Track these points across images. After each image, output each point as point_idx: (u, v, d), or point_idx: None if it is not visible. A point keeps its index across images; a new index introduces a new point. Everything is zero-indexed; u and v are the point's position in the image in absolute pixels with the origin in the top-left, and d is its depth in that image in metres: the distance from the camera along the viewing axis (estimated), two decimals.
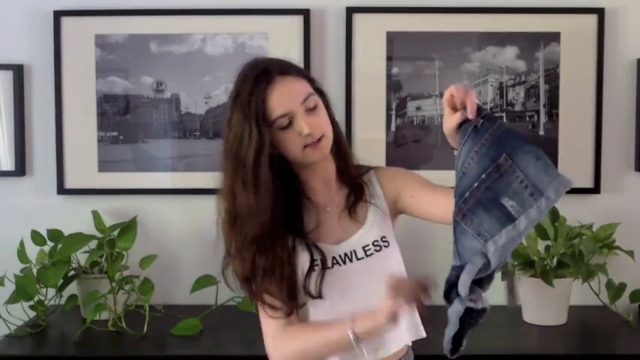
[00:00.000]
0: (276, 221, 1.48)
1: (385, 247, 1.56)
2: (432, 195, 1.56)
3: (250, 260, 1.48)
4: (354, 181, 1.61)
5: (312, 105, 1.49)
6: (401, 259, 1.60)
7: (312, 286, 1.51)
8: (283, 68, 1.51)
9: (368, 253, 1.55)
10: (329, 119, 1.54)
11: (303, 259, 1.51)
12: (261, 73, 1.48)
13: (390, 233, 1.60)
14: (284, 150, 1.51)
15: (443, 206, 1.46)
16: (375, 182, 1.62)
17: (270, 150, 1.47)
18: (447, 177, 2.39)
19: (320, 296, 1.50)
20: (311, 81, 1.56)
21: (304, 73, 1.57)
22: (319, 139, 1.49)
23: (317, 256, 1.52)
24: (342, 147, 1.61)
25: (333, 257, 1.53)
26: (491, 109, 2.47)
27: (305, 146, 1.49)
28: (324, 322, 1.50)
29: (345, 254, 1.54)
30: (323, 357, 1.49)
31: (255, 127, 1.45)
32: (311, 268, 1.51)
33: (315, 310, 1.52)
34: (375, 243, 1.55)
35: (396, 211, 1.63)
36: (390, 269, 1.52)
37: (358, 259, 1.54)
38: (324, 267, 1.51)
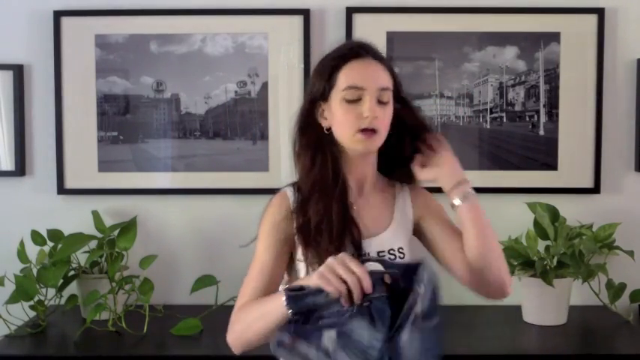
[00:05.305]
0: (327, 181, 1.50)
1: (400, 258, 1.54)
2: (459, 248, 1.55)
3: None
4: (389, 189, 1.61)
5: (385, 100, 1.49)
6: None
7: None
8: (378, 56, 1.52)
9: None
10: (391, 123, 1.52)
11: None
12: (354, 47, 1.52)
13: (408, 246, 1.58)
14: (338, 127, 1.50)
15: (463, 262, 1.52)
16: (407, 197, 1.61)
17: (326, 123, 1.51)
18: None
19: None
20: (397, 85, 1.54)
21: (395, 74, 1.55)
22: (373, 130, 1.48)
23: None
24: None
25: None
26: (491, 109, 2.47)
27: (358, 130, 1.47)
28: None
29: (359, 254, 1.52)
30: (263, 334, 1.37)
31: (324, 81, 1.49)
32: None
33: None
34: (391, 252, 1.54)
35: (414, 231, 1.62)
36: None
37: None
38: None
